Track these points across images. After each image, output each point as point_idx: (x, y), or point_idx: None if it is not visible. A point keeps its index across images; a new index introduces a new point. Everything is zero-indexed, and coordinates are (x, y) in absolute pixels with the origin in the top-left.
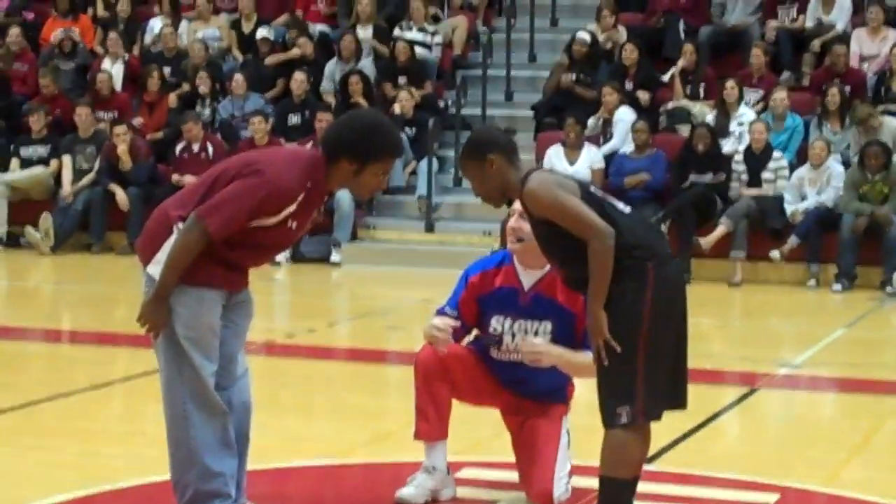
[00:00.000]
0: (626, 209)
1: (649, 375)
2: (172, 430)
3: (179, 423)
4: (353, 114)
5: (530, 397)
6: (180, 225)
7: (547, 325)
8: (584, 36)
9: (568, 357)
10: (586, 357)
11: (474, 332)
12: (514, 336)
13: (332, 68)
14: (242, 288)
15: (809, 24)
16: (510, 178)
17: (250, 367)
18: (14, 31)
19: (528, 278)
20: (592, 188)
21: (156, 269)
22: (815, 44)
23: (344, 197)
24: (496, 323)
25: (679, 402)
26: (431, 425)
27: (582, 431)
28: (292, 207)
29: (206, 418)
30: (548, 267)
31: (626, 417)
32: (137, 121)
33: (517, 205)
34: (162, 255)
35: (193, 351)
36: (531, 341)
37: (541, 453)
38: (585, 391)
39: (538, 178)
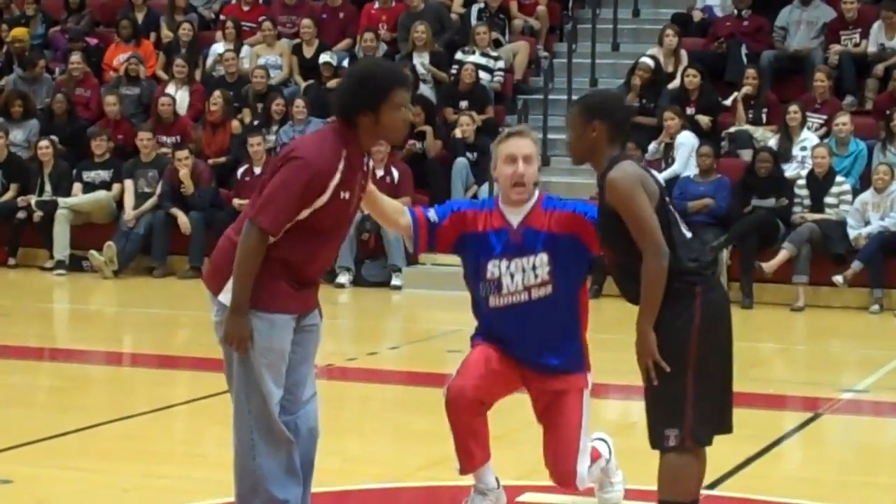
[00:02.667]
0: (688, 234)
1: (698, 399)
2: (239, 458)
3: (246, 451)
4: (344, 74)
5: (549, 372)
6: None
7: (543, 257)
8: (647, 61)
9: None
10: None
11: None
12: (512, 277)
13: None
14: (312, 308)
15: (872, 48)
16: (602, 152)
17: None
18: (75, 58)
19: (515, 217)
20: (669, 202)
21: (227, 296)
22: (879, 68)
23: None
24: (493, 268)
25: (727, 427)
26: (475, 458)
27: (640, 454)
28: (337, 178)
29: (272, 448)
30: (532, 201)
31: (674, 440)
32: (196, 134)
33: (519, 149)
34: (231, 283)
35: (265, 378)
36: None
37: (563, 434)
38: (643, 416)
39: (625, 168)
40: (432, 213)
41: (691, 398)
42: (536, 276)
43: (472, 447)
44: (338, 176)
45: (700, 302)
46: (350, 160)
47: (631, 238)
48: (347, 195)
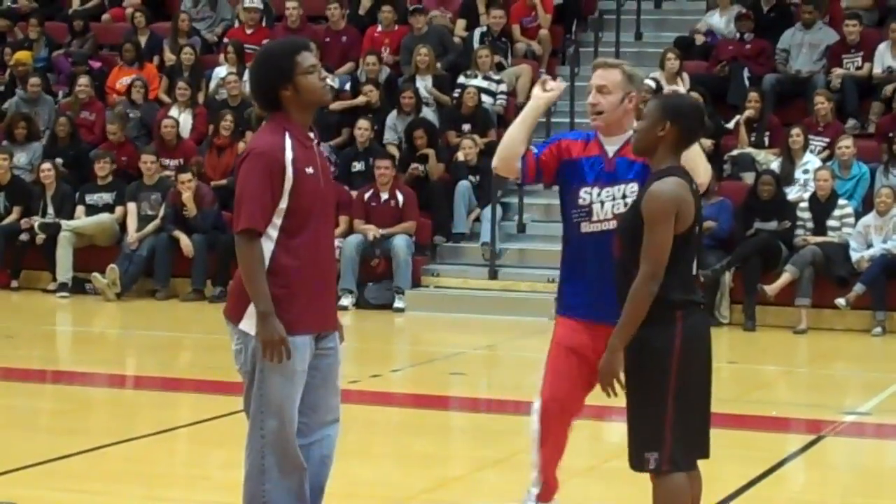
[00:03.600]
0: (694, 272)
1: (677, 423)
2: (248, 481)
3: (255, 476)
4: (249, 69)
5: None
6: None
7: (634, 186)
8: (649, 83)
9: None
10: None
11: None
12: (602, 204)
13: (394, 120)
14: (332, 327)
15: (878, 70)
16: (662, 154)
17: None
18: (83, 81)
19: (611, 146)
20: (699, 231)
21: (247, 322)
22: (889, 89)
23: (400, 244)
24: (584, 194)
25: (705, 451)
26: (552, 486)
27: (642, 479)
28: (289, 154)
29: (282, 473)
30: (630, 132)
31: (653, 463)
32: (195, 160)
33: (593, 80)
34: (251, 310)
35: (282, 401)
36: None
37: None
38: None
39: (671, 187)
40: (534, 148)
41: (670, 422)
42: (626, 205)
43: (549, 472)
44: (289, 152)
45: (680, 327)
46: (296, 137)
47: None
48: (311, 170)
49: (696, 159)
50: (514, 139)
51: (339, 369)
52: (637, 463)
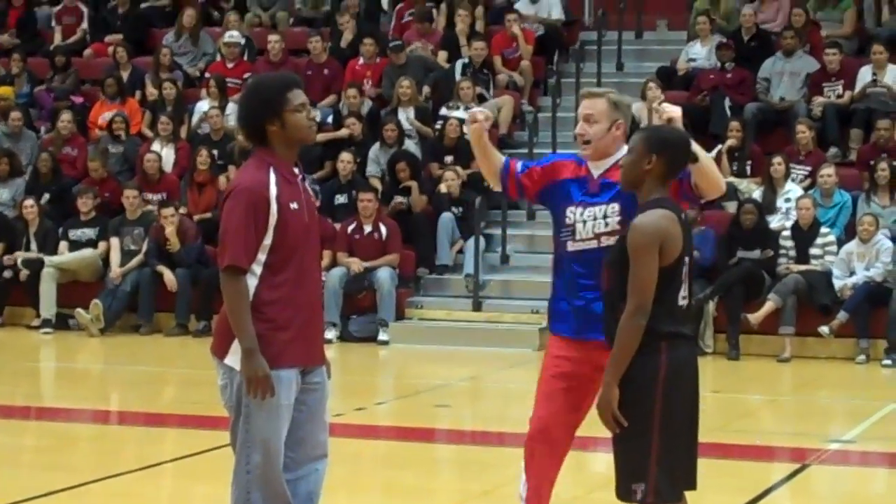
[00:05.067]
0: (683, 302)
1: (663, 454)
2: None
3: None
4: (238, 101)
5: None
6: None
7: (615, 207)
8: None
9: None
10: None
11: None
12: (584, 223)
13: (377, 152)
14: (318, 362)
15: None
16: (650, 187)
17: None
18: (65, 116)
19: (597, 169)
20: (688, 262)
21: (232, 358)
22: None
23: (384, 276)
24: (570, 213)
25: (692, 483)
26: None
27: None
28: (273, 189)
29: None
30: (616, 157)
31: (640, 495)
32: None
33: (581, 109)
34: (236, 345)
35: (268, 435)
36: (665, 106)
37: None
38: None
39: (655, 220)
40: (520, 165)
41: (656, 453)
42: (606, 224)
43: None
44: (273, 188)
45: (665, 358)
46: (280, 172)
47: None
48: (296, 205)
49: (714, 173)
50: (479, 165)
51: (327, 404)
52: (623, 493)
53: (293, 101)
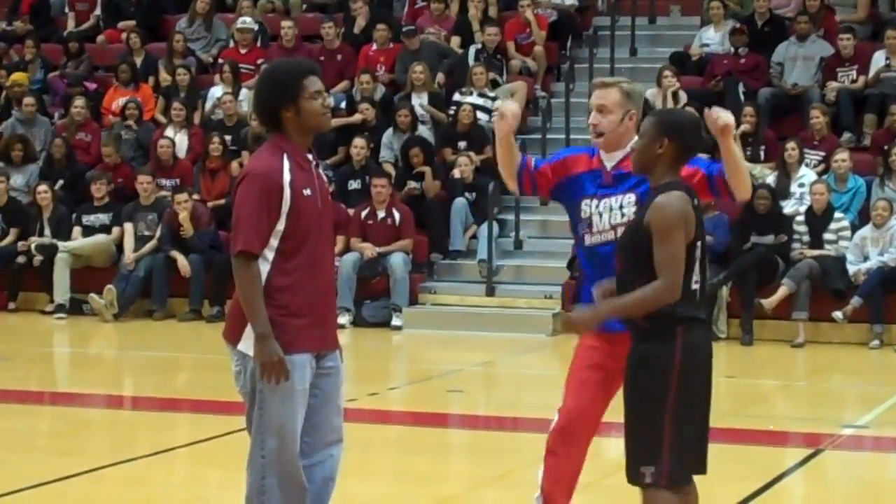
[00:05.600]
0: (696, 285)
1: (675, 439)
2: (248, 502)
3: (255, 496)
4: (255, 85)
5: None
6: None
7: (630, 197)
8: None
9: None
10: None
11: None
12: (601, 216)
13: (390, 138)
14: (332, 348)
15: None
16: (661, 171)
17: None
18: (79, 102)
19: (610, 161)
20: (700, 245)
21: (245, 344)
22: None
23: (398, 261)
24: (585, 206)
25: (703, 467)
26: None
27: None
28: (287, 175)
29: (283, 494)
30: (629, 147)
31: (649, 478)
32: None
33: (593, 100)
34: (249, 331)
35: (283, 421)
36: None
37: None
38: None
39: (676, 200)
40: (534, 161)
41: (668, 437)
42: (623, 215)
43: (561, 490)
44: (287, 174)
45: (681, 342)
46: (294, 159)
47: (650, 261)
48: (309, 191)
49: (744, 174)
50: (500, 163)
51: (342, 389)
52: (633, 476)
53: (309, 87)
